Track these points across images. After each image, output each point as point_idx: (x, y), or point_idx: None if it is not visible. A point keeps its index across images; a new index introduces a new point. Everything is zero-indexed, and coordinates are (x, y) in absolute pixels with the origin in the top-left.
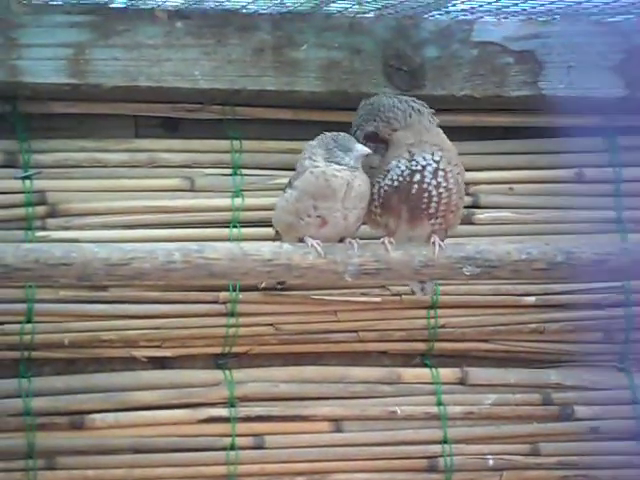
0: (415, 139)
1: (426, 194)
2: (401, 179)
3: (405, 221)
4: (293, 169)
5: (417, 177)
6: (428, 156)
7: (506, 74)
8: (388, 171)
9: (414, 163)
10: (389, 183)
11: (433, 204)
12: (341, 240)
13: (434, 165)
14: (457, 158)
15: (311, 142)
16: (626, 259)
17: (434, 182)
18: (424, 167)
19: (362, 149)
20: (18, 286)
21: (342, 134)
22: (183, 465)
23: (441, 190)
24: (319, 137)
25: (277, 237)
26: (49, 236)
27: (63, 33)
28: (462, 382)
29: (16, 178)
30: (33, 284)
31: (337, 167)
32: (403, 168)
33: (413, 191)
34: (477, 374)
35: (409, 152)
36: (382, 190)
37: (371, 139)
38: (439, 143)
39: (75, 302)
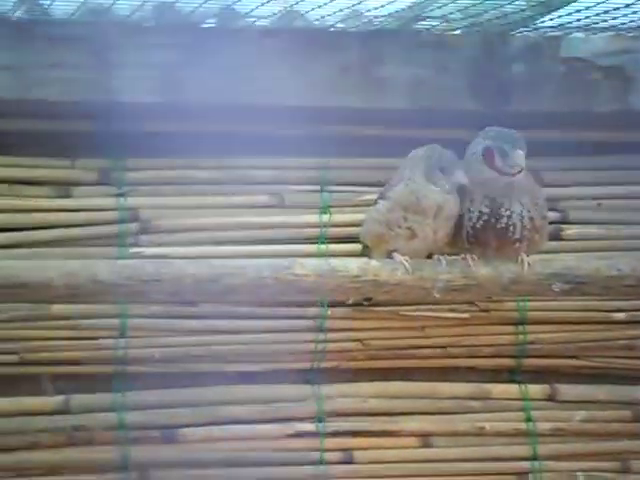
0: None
1: (511, 227)
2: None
3: (493, 249)
4: (380, 186)
5: (504, 220)
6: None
7: (595, 90)
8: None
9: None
10: (477, 225)
11: (518, 233)
12: (429, 256)
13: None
14: (532, 182)
15: (418, 152)
16: None
17: (519, 219)
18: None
19: (461, 178)
20: (112, 302)
21: (449, 154)
22: (272, 479)
23: (525, 222)
24: (427, 148)
25: (365, 253)
26: (142, 252)
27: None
28: (551, 398)
29: (110, 196)
30: (125, 300)
31: (432, 188)
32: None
33: (499, 226)
34: (566, 390)
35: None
36: (470, 228)
37: None
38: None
39: (166, 317)
